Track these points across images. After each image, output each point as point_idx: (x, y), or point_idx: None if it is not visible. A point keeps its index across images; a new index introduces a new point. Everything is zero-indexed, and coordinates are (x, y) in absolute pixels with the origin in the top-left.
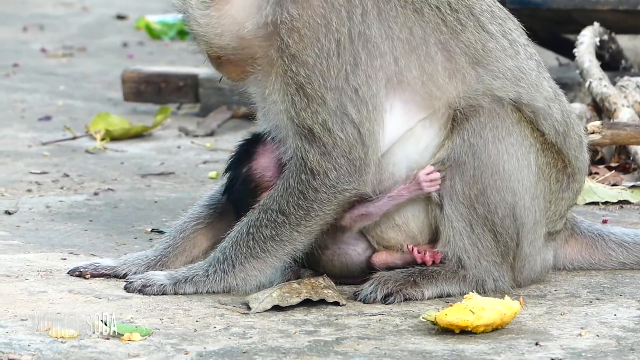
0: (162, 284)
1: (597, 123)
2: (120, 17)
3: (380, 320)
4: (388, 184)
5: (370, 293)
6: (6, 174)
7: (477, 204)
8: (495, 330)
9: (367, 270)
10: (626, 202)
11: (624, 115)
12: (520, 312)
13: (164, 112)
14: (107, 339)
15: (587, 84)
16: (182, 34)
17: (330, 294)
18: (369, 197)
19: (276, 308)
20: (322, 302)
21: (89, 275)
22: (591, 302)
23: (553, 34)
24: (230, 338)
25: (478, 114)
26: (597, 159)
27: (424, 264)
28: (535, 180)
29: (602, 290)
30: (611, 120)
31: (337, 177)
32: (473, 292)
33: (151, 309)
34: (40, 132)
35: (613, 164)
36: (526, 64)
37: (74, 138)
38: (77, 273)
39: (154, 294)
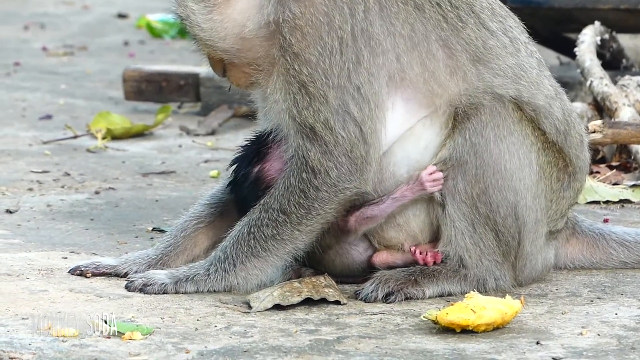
0: (163, 283)
1: (598, 122)
2: (121, 16)
3: (381, 319)
4: (389, 183)
5: (372, 292)
6: (7, 173)
7: (479, 203)
8: (496, 329)
9: (368, 269)
10: (627, 201)
11: (625, 114)
12: (521, 311)
13: (165, 111)
14: (108, 338)
15: (588, 83)
16: (183, 32)
17: (331, 293)
18: (370, 196)
19: (277, 307)
20: (323, 301)
21: (90, 274)
22: (592, 301)
23: (554, 32)
24: (231, 337)
25: (479, 112)
26: (598, 158)
27: (425, 263)
28: (537, 180)
29: (603, 290)
30: (612, 120)
31: (339, 175)
32: (474, 291)
33: (152, 308)
34: (41, 131)
35: (614, 163)
36: (527, 62)
37: (75, 137)
38: (78, 272)
39: (155, 293)
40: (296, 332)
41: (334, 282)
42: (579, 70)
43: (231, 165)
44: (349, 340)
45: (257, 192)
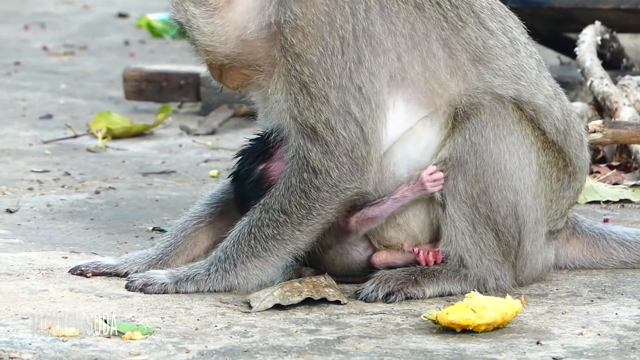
0: (163, 283)
1: (599, 122)
2: (122, 16)
3: (381, 319)
4: (389, 183)
5: (372, 292)
6: (7, 173)
7: (479, 203)
8: (496, 329)
9: (368, 269)
10: (627, 201)
11: (625, 114)
12: (522, 311)
13: (165, 110)
14: (109, 337)
15: (588, 83)
16: (183, 33)
17: (331, 293)
18: (370, 196)
19: (277, 307)
20: (324, 301)
21: (90, 274)
22: (592, 301)
23: (554, 32)
24: (231, 337)
25: (479, 112)
26: (598, 158)
27: (426, 263)
28: (537, 179)
29: (603, 290)
30: (612, 119)
31: (339, 175)
32: (474, 291)
33: (152, 308)
34: (42, 130)
35: (614, 163)
36: (526, 62)
37: (75, 136)
38: (79, 272)
39: (155, 293)
40: (296, 331)
41: (334, 282)
42: (579, 70)
43: (236, 157)
44: (349, 340)
45: (259, 191)
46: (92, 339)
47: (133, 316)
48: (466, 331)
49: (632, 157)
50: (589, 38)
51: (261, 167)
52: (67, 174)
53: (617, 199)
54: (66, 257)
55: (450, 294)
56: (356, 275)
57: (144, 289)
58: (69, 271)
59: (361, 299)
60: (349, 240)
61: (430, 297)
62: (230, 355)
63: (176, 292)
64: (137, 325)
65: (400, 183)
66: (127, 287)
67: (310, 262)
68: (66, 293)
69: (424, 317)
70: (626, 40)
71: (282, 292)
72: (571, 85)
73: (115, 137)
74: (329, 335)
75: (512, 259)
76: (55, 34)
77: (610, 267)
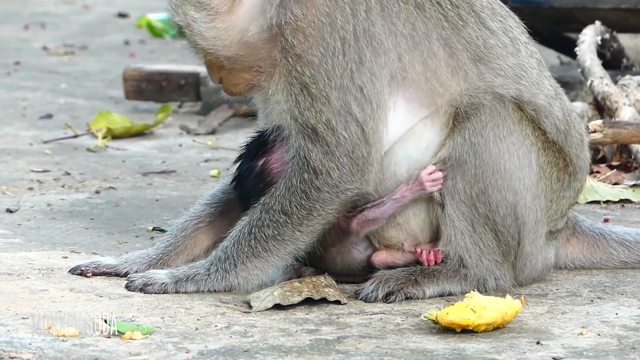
0: (163, 283)
1: (599, 122)
2: (122, 16)
3: (381, 319)
4: (389, 183)
5: (372, 292)
6: (7, 172)
7: (478, 203)
8: (496, 329)
9: (368, 268)
10: (627, 201)
11: (626, 114)
12: (522, 311)
13: (165, 110)
14: (109, 337)
15: (588, 83)
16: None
17: (331, 293)
18: (371, 196)
19: (277, 307)
20: (324, 300)
21: (90, 274)
22: (592, 301)
23: (554, 32)
24: (231, 337)
25: (479, 112)
26: (598, 158)
27: (427, 262)
28: (537, 179)
29: (603, 290)
30: (612, 119)
31: (340, 176)
32: (474, 291)
33: (152, 308)
34: (42, 130)
35: (614, 163)
36: (527, 62)
37: (76, 136)
38: (79, 271)
39: (155, 293)
40: (296, 331)
41: (334, 282)
42: (579, 70)
43: (235, 162)
44: (349, 340)
45: (261, 186)
46: (92, 339)
47: (133, 316)
48: (466, 331)
49: (632, 157)
50: (589, 38)
51: (261, 161)
52: (67, 173)
53: (617, 199)
54: (66, 257)
55: (450, 294)
56: (356, 275)
57: (144, 288)
58: (69, 271)
59: (361, 299)
60: (350, 241)
61: (430, 297)
62: (230, 355)
63: (176, 292)
64: (137, 325)
65: (401, 183)
66: (127, 287)
67: (311, 261)
68: (66, 293)
69: (424, 317)
70: (626, 40)
71: (282, 292)
72: (571, 85)
73: (115, 136)
74: (329, 335)
75: (511, 259)
76: (56, 33)
77: (611, 267)
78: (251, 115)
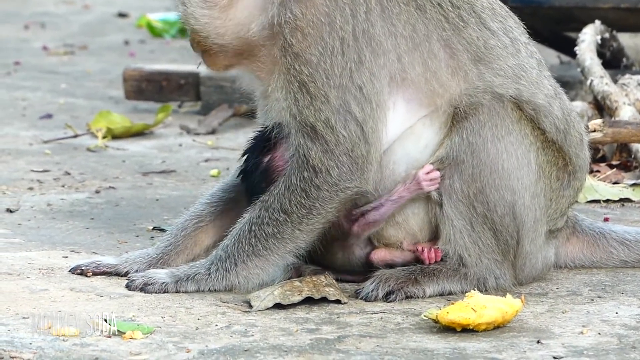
0: (163, 282)
1: (599, 121)
2: (122, 15)
3: (381, 318)
4: (388, 182)
5: (372, 291)
6: (8, 172)
7: (476, 202)
8: (496, 328)
9: (367, 266)
10: (627, 200)
11: (625, 113)
12: (522, 310)
13: (165, 110)
14: (109, 337)
15: (588, 82)
16: (183, 32)
17: (331, 292)
18: (370, 195)
19: (278, 306)
20: (324, 300)
21: (91, 274)
22: (593, 300)
23: (554, 32)
24: (231, 336)
25: (478, 112)
26: (598, 157)
27: (428, 261)
28: (536, 179)
29: (603, 289)
30: (612, 119)
31: (339, 174)
32: (475, 290)
33: (153, 307)
34: (42, 130)
35: (614, 162)
36: (527, 62)
37: (76, 136)
38: (79, 271)
39: (156, 292)
40: (297, 331)
41: (334, 281)
42: (579, 69)
43: (242, 155)
44: (349, 339)
45: (267, 182)
46: (93, 339)
47: (133, 315)
48: (466, 330)
49: (632, 156)
50: (589, 37)
51: (267, 158)
52: (67, 173)
53: (617, 198)
54: (66, 257)
55: (450, 293)
56: (356, 272)
57: (144, 288)
58: (69, 270)
59: (361, 298)
60: (351, 240)
61: (430, 296)
62: (231, 355)
63: (176, 292)
64: (138, 325)
65: (399, 182)
66: (128, 287)
67: (312, 256)
68: (66, 292)
69: (425, 316)
70: (626, 39)
71: (283, 291)
72: (571, 84)
73: (115, 136)
74: (330, 335)
75: (511, 257)
76: (55, 33)
77: (611, 266)
78: (251, 115)
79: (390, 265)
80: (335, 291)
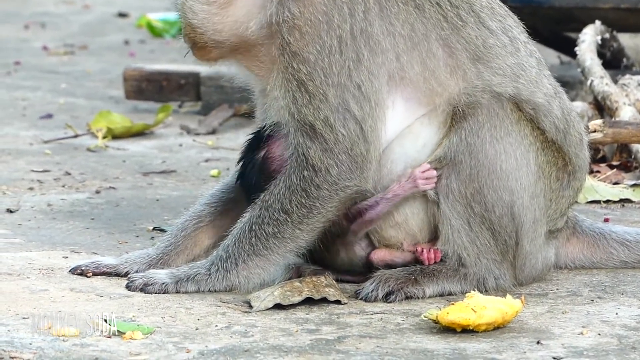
0: (163, 283)
1: (599, 121)
2: (122, 15)
3: (381, 318)
4: (386, 180)
5: (372, 291)
6: (8, 172)
7: (473, 202)
8: (496, 329)
9: (367, 267)
10: (628, 200)
11: (626, 113)
12: (522, 310)
13: (165, 110)
14: (109, 337)
15: (588, 83)
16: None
17: (331, 293)
18: (370, 194)
19: (278, 306)
20: (324, 300)
21: (91, 274)
22: (593, 300)
23: (554, 32)
24: (231, 336)
25: (476, 112)
26: (598, 158)
27: (428, 261)
28: (535, 179)
29: (603, 289)
30: (612, 119)
31: (339, 173)
32: (474, 290)
33: (153, 308)
34: (42, 130)
35: (614, 163)
36: (526, 61)
37: (76, 136)
38: (79, 271)
39: (156, 293)
40: (297, 331)
41: (334, 282)
42: (579, 70)
43: (238, 162)
44: (349, 339)
45: (265, 176)
46: (93, 339)
47: (133, 316)
48: (466, 331)
49: (632, 157)
50: (589, 37)
51: (262, 153)
52: (68, 173)
53: (617, 199)
54: (66, 257)
55: (450, 294)
56: (356, 273)
57: (144, 288)
58: (70, 271)
59: (361, 299)
60: (350, 238)
61: (430, 297)
62: (231, 355)
63: (177, 292)
64: (138, 325)
65: (397, 181)
66: (128, 287)
67: (314, 255)
68: (66, 293)
69: (424, 316)
70: (626, 40)
71: (283, 291)
72: (571, 84)
73: (116, 136)
74: (329, 335)
75: (510, 258)
76: (56, 33)
77: (611, 266)
78: (251, 115)
79: (390, 266)
80: (335, 292)
